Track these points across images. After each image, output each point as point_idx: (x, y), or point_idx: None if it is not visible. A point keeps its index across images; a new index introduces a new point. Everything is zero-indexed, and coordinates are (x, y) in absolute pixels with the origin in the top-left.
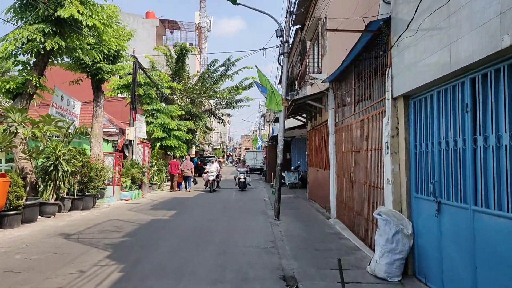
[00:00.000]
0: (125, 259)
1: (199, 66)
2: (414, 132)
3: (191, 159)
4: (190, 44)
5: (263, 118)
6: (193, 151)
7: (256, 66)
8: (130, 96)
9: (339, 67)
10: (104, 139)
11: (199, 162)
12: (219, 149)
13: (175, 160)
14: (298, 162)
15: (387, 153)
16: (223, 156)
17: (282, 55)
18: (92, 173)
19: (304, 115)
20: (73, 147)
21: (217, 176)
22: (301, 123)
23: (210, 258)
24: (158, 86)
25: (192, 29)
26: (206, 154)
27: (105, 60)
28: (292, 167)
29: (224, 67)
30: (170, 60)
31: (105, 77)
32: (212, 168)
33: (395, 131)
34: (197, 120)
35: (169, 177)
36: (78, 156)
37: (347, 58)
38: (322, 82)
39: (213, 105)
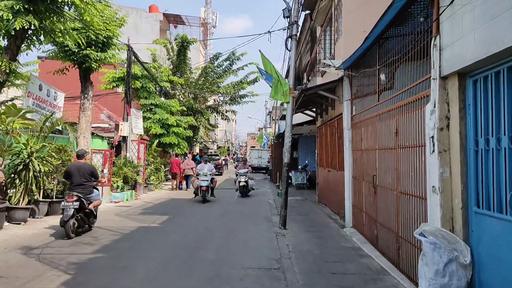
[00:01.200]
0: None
1: (204, 63)
2: (474, 122)
3: (193, 158)
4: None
5: (269, 115)
6: (196, 149)
7: (260, 51)
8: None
9: (360, 47)
10: (99, 136)
11: (201, 161)
12: (224, 147)
13: (176, 158)
14: (306, 161)
15: (433, 151)
16: (228, 154)
17: (290, 38)
18: None
19: (314, 109)
20: (59, 144)
21: (212, 180)
22: (310, 118)
23: (198, 286)
24: (157, 79)
25: (197, 24)
26: (211, 152)
27: (93, 47)
28: (300, 167)
29: (228, 62)
30: (171, 54)
31: (93, 65)
32: (204, 170)
33: (445, 121)
34: (199, 117)
35: (169, 176)
36: (54, 154)
37: (371, 33)
38: (336, 69)
39: (217, 100)
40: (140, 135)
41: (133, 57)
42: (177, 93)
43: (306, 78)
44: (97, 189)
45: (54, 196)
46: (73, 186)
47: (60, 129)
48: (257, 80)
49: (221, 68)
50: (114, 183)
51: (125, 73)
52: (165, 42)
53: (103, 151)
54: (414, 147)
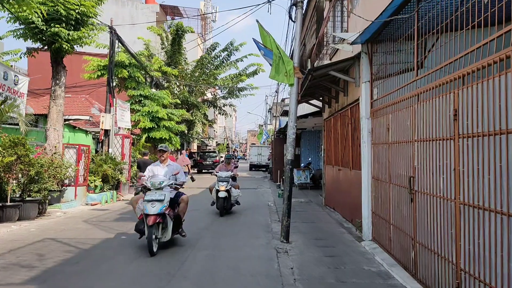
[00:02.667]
0: None
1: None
2: None
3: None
4: (192, 32)
5: (269, 112)
6: (194, 146)
7: (257, 21)
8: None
9: (387, 8)
10: (81, 129)
11: (199, 158)
12: (223, 144)
13: (171, 155)
14: (309, 159)
15: None
16: (228, 151)
17: (294, 6)
18: (32, 171)
19: (321, 99)
20: (15, 137)
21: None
22: (316, 109)
23: None
24: (146, 68)
25: (196, 16)
26: (209, 149)
27: (64, 24)
28: (302, 165)
29: (226, 52)
30: (165, 43)
31: (64, 46)
32: (224, 174)
33: None
34: (195, 111)
35: None
36: (9, 148)
37: None
38: (351, 43)
39: (214, 94)
40: (128, 129)
41: (118, 42)
42: (171, 85)
43: (311, 64)
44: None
45: (8, 199)
46: None
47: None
48: (257, 72)
49: (218, 59)
50: (91, 182)
51: None
52: (159, 30)
53: (77, 146)
54: (492, 135)
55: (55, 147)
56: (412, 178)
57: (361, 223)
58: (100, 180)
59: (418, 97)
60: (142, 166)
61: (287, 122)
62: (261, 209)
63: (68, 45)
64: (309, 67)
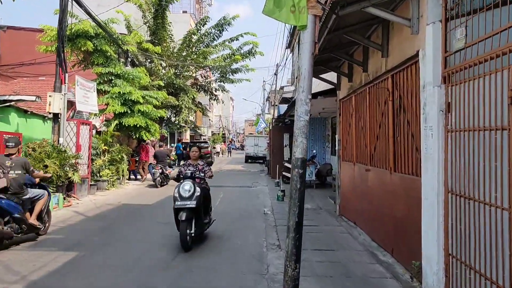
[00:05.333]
0: None
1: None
2: None
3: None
4: (185, 12)
5: (267, 101)
6: (187, 135)
7: None
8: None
9: None
10: (37, 114)
11: (187, 148)
12: (219, 133)
13: (147, 145)
14: (314, 151)
15: None
16: (224, 142)
17: None
18: None
19: (338, 70)
20: None
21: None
22: (328, 86)
23: None
24: (117, 40)
25: None
26: (205, 139)
27: None
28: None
29: (217, 29)
30: (147, 16)
31: None
32: (189, 174)
33: None
34: (182, 95)
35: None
36: None
37: None
38: None
39: (204, 76)
40: (95, 114)
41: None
42: (155, 66)
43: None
44: None
45: None
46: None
47: None
48: (252, 52)
49: (209, 36)
50: None
51: (72, 30)
52: (139, 0)
53: None
54: None
55: None
56: None
57: (420, 268)
58: (38, 181)
59: None
60: (158, 156)
61: (287, 107)
62: (253, 221)
63: None
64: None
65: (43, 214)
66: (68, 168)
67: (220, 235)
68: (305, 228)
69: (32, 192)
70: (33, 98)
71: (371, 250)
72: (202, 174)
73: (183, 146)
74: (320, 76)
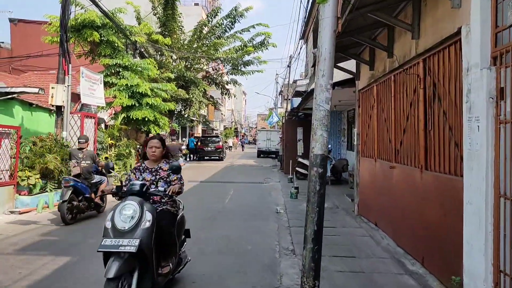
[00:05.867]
0: None
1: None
2: None
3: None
4: (196, 4)
5: (280, 95)
6: (198, 130)
7: None
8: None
9: None
10: (42, 108)
11: (198, 143)
12: (231, 128)
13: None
14: (329, 146)
15: None
16: (236, 136)
17: None
18: None
19: (357, 57)
20: None
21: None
22: (347, 76)
23: None
24: (124, 31)
25: None
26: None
27: None
28: None
29: (229, 20)
30: (158, 8)
31: None
32: (136, 188)
33: None
34: (192, 88)
35: None
36: None
37: None
38: None
39: (216, 69)
40: (102, 107)
41: None
42: (165, 59)
43: None
44: None
45: None
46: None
47: None
48: (265, 44)
49: (220, 28)
50: (23, 180)
51: (78, 21)
52: None
53: None
54: None
55: None
56: None
57: (463, 286)
58: (38, 176)
59: None
60: (171, 150)
61: (301, 100)
62: (265, 221)
63: None
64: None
65: (102, 195)
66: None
67: (228, 236)
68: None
69: (96, 178)
70: (36, 90)
71: (397, 257)
72: (162, 188)
73: (197, 140)
74: (338, 65)
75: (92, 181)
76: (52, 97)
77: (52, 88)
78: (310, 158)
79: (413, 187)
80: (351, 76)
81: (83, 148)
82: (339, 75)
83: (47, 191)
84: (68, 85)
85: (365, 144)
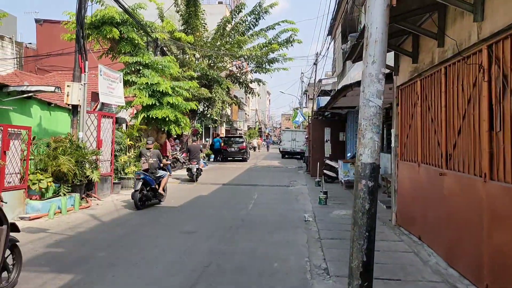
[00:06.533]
0: None
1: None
2: None
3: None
4: (220, 3)
5: (305, 94)
6: (222, 130)
7: None
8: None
9: None
10: (61, 107)
11: (222, 144)
12: (255, 128)
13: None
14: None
15: None
16: (260, 136)
17: None
18: None
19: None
20: None
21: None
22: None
23: None
24: (145, 27)
25: None
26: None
27: None
28: (349, 155)
29: (253, 17)
30: (180, 6)
31: None
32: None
33: None
34: (215, 87)
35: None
36: None
37: None
38: None
39: (239, 67)
40: (122, 107)
41: None
42: (188, 57)
43: None
44: None
45: None
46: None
47: None
48: (291, 40)
49: (244, 25)
50: (34, 183)
51: (97, 17)
52: None
53: (2, 127)
54: None
55: None
56: None
57: None
58: (51, 179)
59: None
60: (192, 151)
61: (330, 97)
62: (293, 232)
63: None
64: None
65: (165, 187)
66: (87, 166)
67: (252, 249)
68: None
69: (160, 173)
70: (52, 88)
71: (452, 282)
72: None
73: (222, 140)
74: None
75: (157, 175)
76: (67, 96)
77: (68, 86)
78: (356, 168)
79: (473, 199)
80: (389, 71)
81: (150, 148)
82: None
83: (60, 195)
84: (84, 83)
85: (405, 147)
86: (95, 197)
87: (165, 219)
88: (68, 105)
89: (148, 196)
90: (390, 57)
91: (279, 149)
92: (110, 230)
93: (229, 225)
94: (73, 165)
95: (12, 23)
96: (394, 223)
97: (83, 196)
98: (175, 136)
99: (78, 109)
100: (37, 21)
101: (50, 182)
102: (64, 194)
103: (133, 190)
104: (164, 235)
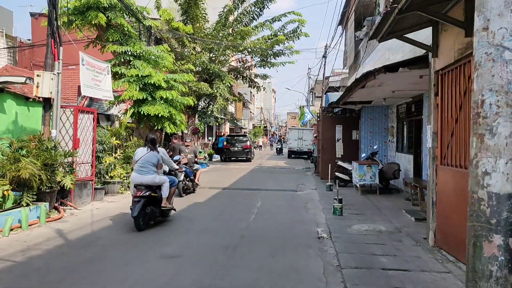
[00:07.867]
0: None
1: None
2: None
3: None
4: None
5: (311, 92)
6: (226, 128)
7: None
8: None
9: None
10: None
11: (225, 143)
12: (260, 126)
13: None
14: (375, 147)
15: None
16: (266, 135)
17: None
18: None
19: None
20: None
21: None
22: (407, 56)
23: None
24: (135, 13)
25: None
26: (244, 133)
27: None
28: (364, 155)
29: (258, 6)
30: None
31: None
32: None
33: None
34: (217, 82)
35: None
36: None
37: None
38: None
39: (243, 60)
40: (111, 102)
41: None
42: (186, 51)
43: None
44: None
45: None
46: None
47: None
48: (297, 31)
49: (247, 15)
50: None
51: (80, 2)
52: None
53: None
54: None
55: None
56: None
57: None
58: (7, 187)
59: None
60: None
61: (344, 91)
62: (303, 254)
63: None
64: None
65: (198, 179)
66: (60, 169)
67: (249, 284)
68: (388, 274)
69: (195, 166)
70: (23, 79)
71: None
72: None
73: (226, 140)
74: (406, 36)
75: (193, 168)
76: (37, 87)
77: (38, 76)
78: (474, 204)
79: None
80: (425, 51)
81: (188, 145)
82: (398, 55)
83: (23, 206)
84: (58, 73)
85: (448, 148)
86: (71, 205)
87: (144, 236)
88: (39, 98)
89: (188, 185)
90: (424, 35)
91: (277, 149)
92: (73, 252)
93: (225, 244)
94: (38, 169)
95: (7, 18)
96: (432, 244)
97: (56, 205)
98: (180, 135)
99: (51, 104)
100: (32, 14)
101: (6, 190)
102: (28, 204)
103: (177, 181)
104: (139, 261)
